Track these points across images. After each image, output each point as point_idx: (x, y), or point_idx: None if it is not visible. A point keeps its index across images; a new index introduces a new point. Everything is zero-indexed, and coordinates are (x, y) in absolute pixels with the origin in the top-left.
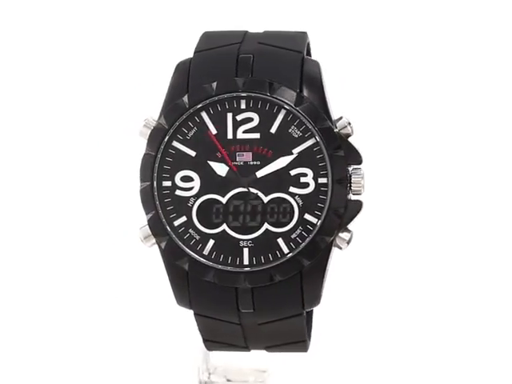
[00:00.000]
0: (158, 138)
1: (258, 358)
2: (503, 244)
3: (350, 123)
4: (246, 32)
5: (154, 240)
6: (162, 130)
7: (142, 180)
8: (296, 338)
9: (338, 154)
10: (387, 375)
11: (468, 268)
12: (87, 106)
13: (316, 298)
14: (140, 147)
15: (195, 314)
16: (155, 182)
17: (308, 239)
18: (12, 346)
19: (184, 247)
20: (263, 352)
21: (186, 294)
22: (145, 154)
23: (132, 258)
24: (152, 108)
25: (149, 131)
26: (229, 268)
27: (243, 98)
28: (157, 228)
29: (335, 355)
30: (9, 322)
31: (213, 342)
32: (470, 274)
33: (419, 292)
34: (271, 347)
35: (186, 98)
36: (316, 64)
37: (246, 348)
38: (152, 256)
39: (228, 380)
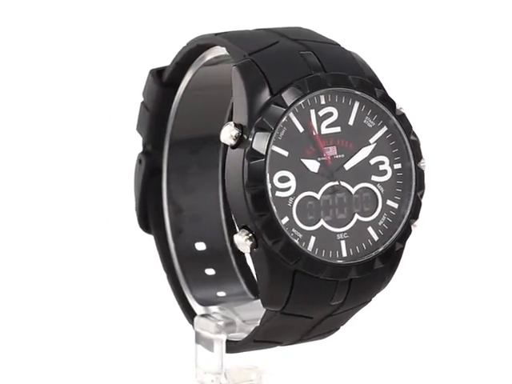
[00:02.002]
0: (265, 141)
1: (256, 358)
2: None
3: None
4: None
5: (252, 243)
6: (267, 133)
7: (253, 185)
8: (336, 326)
9: (414, 138)
10: (389, 376)
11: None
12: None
13: (388, 283)
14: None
15: (282, 313)
16: (268, 185)
17: (401, 224)
18: (7, 345)
19: (301, 246)
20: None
21: (286, 295)
22: (252, 158)
23: (133, 259)
24: None
25: (232, 137)
26: (337, 262)
27: (323, 93)
28: (273, 230)
29: (335, 354)
30: (5, 321)
31: (261, 342)
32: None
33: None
34: (304, 339)
35: (279, 100)
36: (357, 55)
37: (279, 344)
38: (154, 256)
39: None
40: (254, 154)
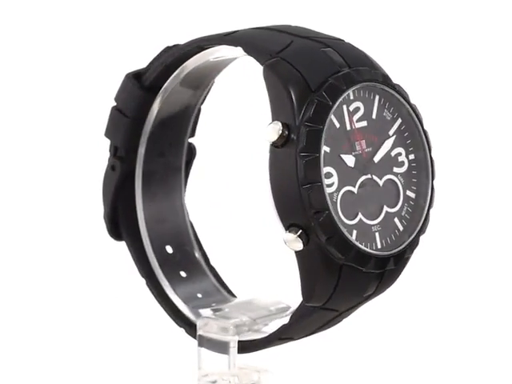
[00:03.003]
0: (317, 138)
1: (256, 358)
2: None
3: None
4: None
5: (304, 241)
6: (318, 130)
7: (310, 182)
8: (341, 320)
9: (425, 128)
10: (389, 375)
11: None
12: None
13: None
14: None
15: (321, 308)
16: (323, 182)
17: (424, 213)
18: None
19: (354, 240)
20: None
21: (331, 290)
22: (306, 156)
23: (116, 264)
24: None
25: (280, 136)
26: (377, 253)
27: (353, 89)
28: (330, 226)
29: (335, 353)
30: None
31: (283, 339)
32: None
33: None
34: (314, 333)
35: (322, 97)
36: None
37: (291, 339)
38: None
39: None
40: (307, 152)
